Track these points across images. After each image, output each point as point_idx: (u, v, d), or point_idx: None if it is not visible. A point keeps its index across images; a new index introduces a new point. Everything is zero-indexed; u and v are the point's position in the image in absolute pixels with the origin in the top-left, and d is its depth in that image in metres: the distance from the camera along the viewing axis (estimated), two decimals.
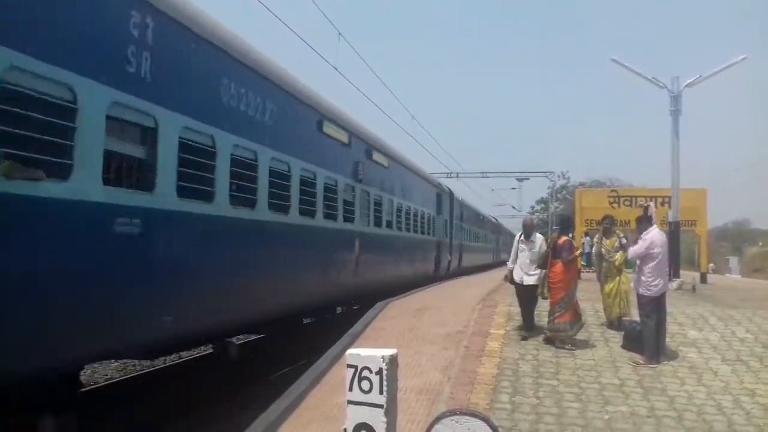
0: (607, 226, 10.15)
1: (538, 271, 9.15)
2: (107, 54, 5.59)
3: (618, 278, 9.81)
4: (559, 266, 8.90)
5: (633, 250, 8.70)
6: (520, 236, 9.53)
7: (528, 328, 9.30)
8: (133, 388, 10.07)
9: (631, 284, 8.97)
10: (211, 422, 8.30)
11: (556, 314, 8.77)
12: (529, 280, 9.23)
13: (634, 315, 9.61)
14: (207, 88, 7.25)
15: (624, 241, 9.79)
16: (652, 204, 10.93)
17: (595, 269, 9.86)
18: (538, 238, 9.44)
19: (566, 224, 10.39)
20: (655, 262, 8.29)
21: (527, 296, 9.36)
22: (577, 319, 8.84)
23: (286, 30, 12.88)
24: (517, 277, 9.40)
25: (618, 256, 9.74)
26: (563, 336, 8.70)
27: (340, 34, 15.28)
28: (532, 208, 71.04)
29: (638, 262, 8.73)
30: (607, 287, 9.86)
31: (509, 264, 9.63)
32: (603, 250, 9.96)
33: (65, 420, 5.67)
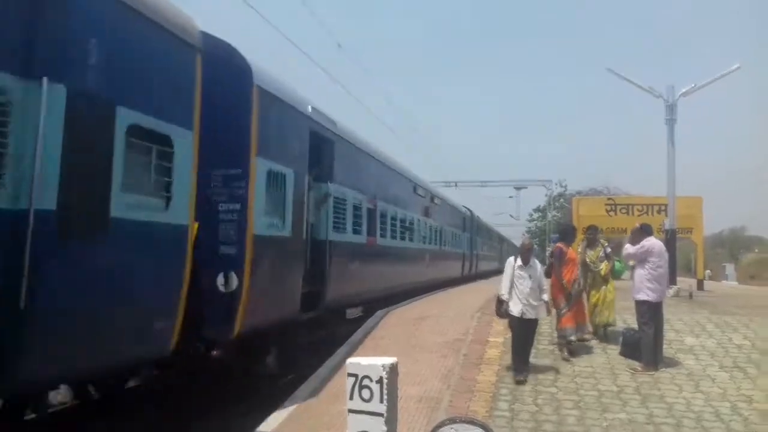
0: (591, 236, 10.08)
1: (541, 301, 7.97)
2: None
3: (604, 288, 9.67)
4: (554, 274, 9.01)
5: (627, 253, 8.79)
6: (516, 262, 7.98)
7: (523, 368, 7.83)
8: (128, 395, 10.03)
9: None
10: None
11: (559, 319, 8.88)
12: (532, 313, 7.84)
13: (620, 324, 9.71)
14: None
15: (608, 250, 9.79)
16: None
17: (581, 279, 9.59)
18: (537, 263, 8.14)
19: (563, 233, 10.39)
20: (653, 267, 8.34)
21: (529, 332, 7.97)
22: (575, 325, 8.88)
23: (286, 42, 12.88)
24: (516, 311, 7.79)
25: (603, 266, 9.66)
26: (561, 341, 8.78)
27: (339, 45, 15.37)
28: (531, 215, 70.97)
29: (634, 268, 8.79)
30: (593, 297, 9.72)
31: (503, 295, 7.94)
32: (588, 260, 9.77)
33: None
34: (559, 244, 9.37)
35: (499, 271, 43.39)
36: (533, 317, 7.87)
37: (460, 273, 29.20)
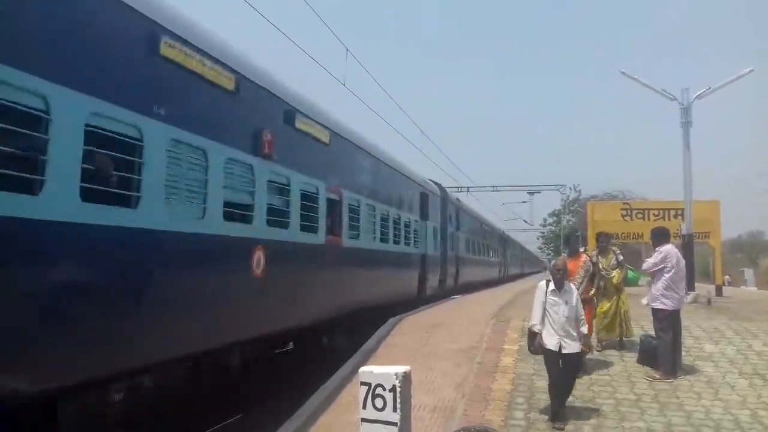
0: (603, 244, 9.80)
1: (579, 333, 6.71)
2: None
3: (616, 297, 9.40)
4: None
5: (648, 263, 8.65)
6: (549, 286, 6.77)
7: (562, 412, 6.55)
8: (134, 407, 10.02)
9: (644, 300, 8.81)
10: None
11: None
12: (571, 347, 6.55)
13: (638, 331, 9.55)
14: None
15: (620, 258, 9.54)
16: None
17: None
18: (573, 288, 6.94)
19: (565, 241, 10.10)
20: (670, 275, 8.23)
21: (566, 369, 6.60)
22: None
23: (294, 46, 12.94)
24: (550, 343, 6.56)
25: (615, 274, 9.41)
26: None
27: (347, 50, 15.40)
28: (545, 220, 70.55)
29: (651, 276, 8.66)
30: (603, 307, 9.36)
31: (534, 325, 6.72)
32: (600, 267, 9.30)
33: None
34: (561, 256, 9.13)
35: (499, 283, 34.18)
36: (574, 350, 6.59)
37: (416, 289, 17.50)
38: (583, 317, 6.80)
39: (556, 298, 6.68)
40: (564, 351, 6.51)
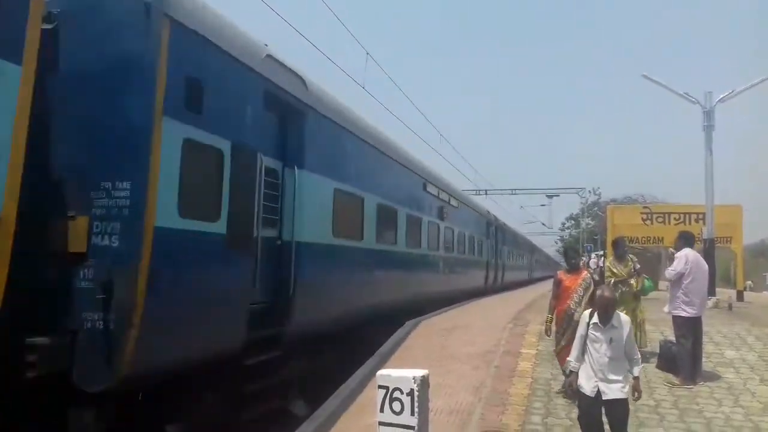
0: (621, 251, 9.43)
1: (625, 376, 5.28)
2: None
3: (633, 306, 9.00)
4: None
5: (670, 270, 8.51)
6: (591, 319, 5.40)
7: None
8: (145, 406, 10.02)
9: (665, 308, 8.70)
10: None
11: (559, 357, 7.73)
12: (613, 392, 5.15)
13: (658, 336, 9.45)
14: None
15: (638, 266, 9.20)
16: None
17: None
18: (623, 322, 5.37)
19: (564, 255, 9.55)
20: (689, 281, 8.14)
21: (611, 419, 5.22)
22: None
23: (315, 50, 12.95)
24: (586, 387, 5.27)
25: (634, 282, 9.03)
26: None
27: (368, 53, 15.45)
28: (563, 224, 70.07)
29: (670, 283, 8.55)
30: None
31: (572, 363, 5.48)
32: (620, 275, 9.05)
33: None
34: (560, 272, 8.22)
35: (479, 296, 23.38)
36: (618, 396, 5.16)
37: None
38: (637, 356, 5.40)
39: (598, 334, 5.33)
40: (606, 397, 5.17)
